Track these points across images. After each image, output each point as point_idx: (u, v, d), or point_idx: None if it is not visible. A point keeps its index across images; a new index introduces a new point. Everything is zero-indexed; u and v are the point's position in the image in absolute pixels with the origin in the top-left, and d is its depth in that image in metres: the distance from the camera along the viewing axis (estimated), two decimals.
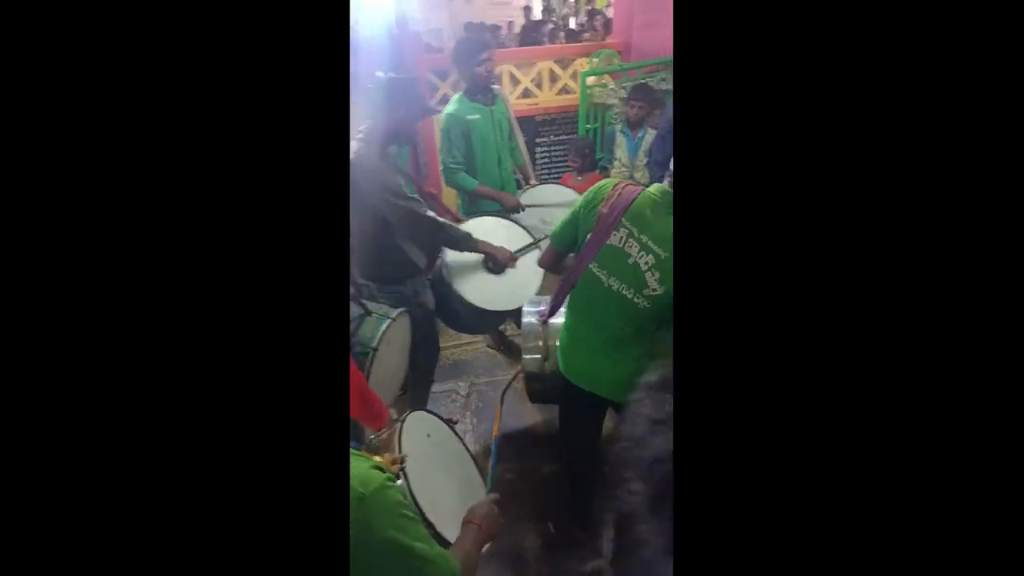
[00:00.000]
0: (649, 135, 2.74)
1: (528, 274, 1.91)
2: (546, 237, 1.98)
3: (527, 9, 8.33)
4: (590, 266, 1.28)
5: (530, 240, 2.00)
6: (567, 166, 2.99)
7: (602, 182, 1.33)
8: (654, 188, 1.26)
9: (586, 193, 1.33)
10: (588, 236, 1.28)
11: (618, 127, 2.92)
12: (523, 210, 2.24)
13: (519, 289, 1.89)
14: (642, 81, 2.94)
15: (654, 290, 1.22)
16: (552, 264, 1.47)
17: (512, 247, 1.93)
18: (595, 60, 3.18)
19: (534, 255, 1.94)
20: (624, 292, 1.25)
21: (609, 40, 3.49)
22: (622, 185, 1.28)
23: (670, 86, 3.08)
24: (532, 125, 3.29)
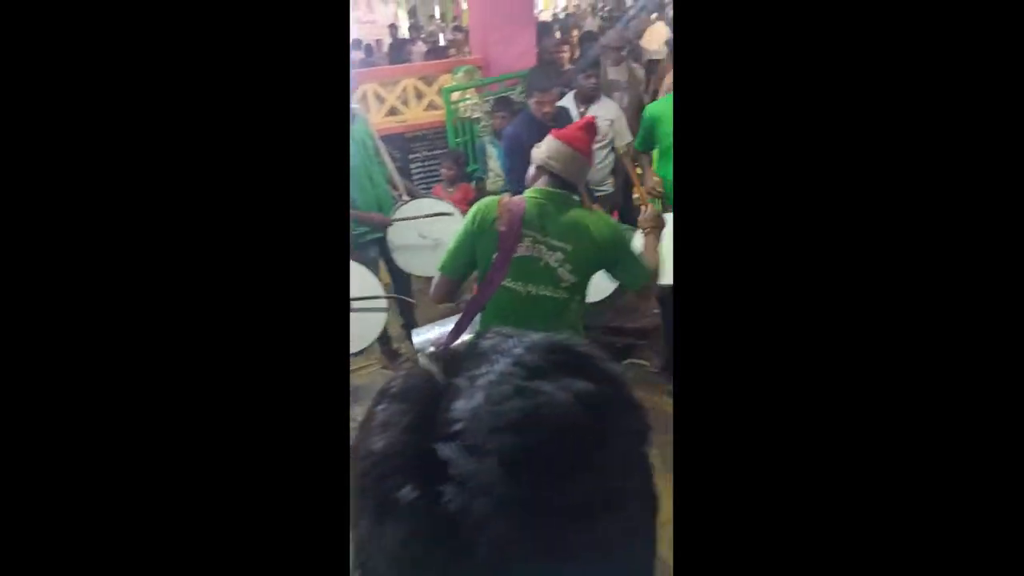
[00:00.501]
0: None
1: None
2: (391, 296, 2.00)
3: (393, 27, 8.33)
4: (504, 283, 1.33)
5: (379, 294, 1.98)
6: (440, 178, 3.06)
7: (482, 202, 1.37)
8: (534, 192, 1.36)
9: (471, 215, 1.37)
10: (494, 256, 1.32)
11: (487, 139, 3.04)
12: (391, 224, 2.25)
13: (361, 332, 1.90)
14: (504, 94, 3.09)
15: (568, 281, 1.33)
16: (448, 296, 1.47)
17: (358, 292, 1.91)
18: (457, 75, 3.28)
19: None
20: (544, 292, 1.34)
21: (470, 56, 3.62)
22: (505, 199, 1.34)
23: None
24: (403, 142, 3.32)
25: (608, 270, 1.40)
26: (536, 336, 0.35)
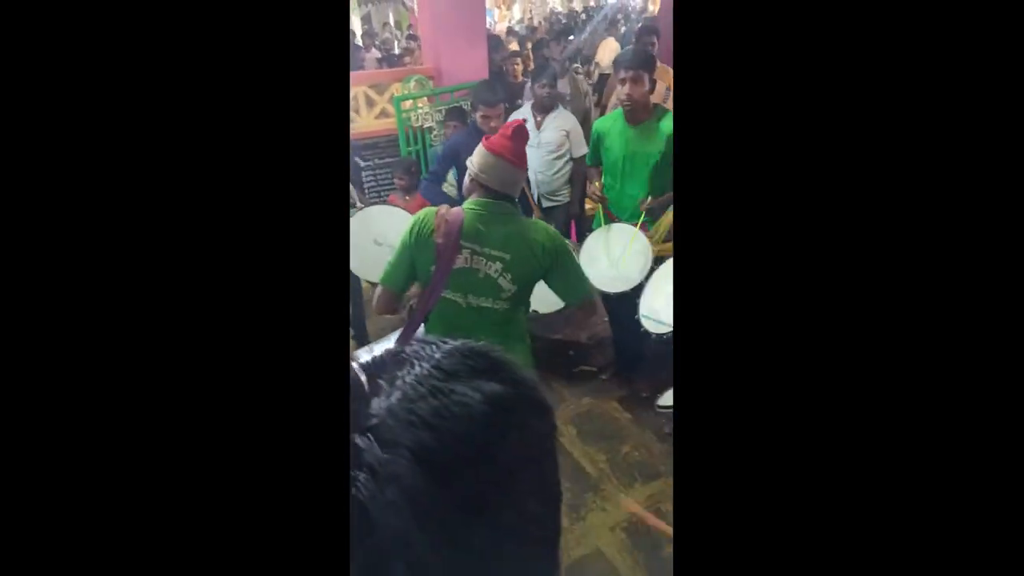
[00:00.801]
0: None
1: None
2: None
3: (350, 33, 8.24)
4: (444, 294, 1.33)
5: None
6: (394, 187, 3.04)
7: (420, 213, 1.37)
8: (472, 203, 1.36)
9: (409, 227, 1.36)
10: (432, 268, 1.31)
11: (439, 148, 3.04)
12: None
13: None
14: (456, 104, 3.10)
15: (508, 291, 1.34)
16: (391, 308, 1.45)
17: None
18: (408, 84, 3.27)
19: None
20: (484, 304, 1.34)
21: (421, 66, 3.62)
22: (444, 211, 1.34)
23: None
24: (355, 149, 3.28)
25: (548, 284, 1.41)
26: (455, 342, 0.37)
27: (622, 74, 1.99)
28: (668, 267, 1.90)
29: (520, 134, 1.34)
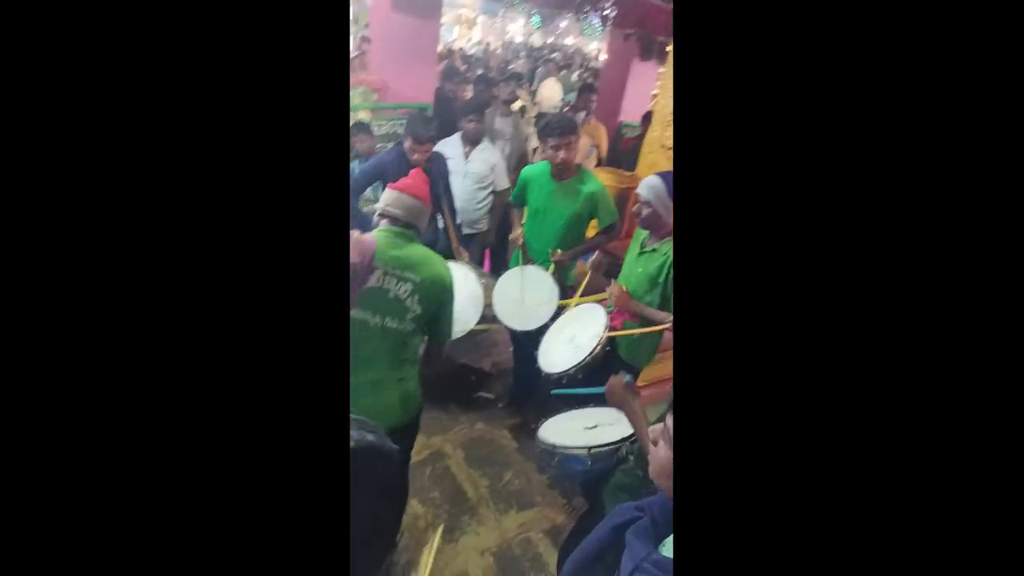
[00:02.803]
0: None
1: None
2: None
3: None
4: (352, 313, 1.38)
5: None
6: None
7: None
8: (382, 230, 1.46)
9: None
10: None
11: (366, 162, 3.06)
12: None
13: None
14: (360, 121, 3.15)
15: (415, 311, 1.43)
16: None
17: None
18: (356, 95, 3.29)
19: None
20: (390, 324, 1.41)
21: (367, 77, 3.65)
22: (356, 233, 1.42)
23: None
24: None
25: (431, 319, 1.51)
26: None
27: (550, 140, 2.14)
28: (566, 319, 2.06)
29: (419, 178, 1.51)
